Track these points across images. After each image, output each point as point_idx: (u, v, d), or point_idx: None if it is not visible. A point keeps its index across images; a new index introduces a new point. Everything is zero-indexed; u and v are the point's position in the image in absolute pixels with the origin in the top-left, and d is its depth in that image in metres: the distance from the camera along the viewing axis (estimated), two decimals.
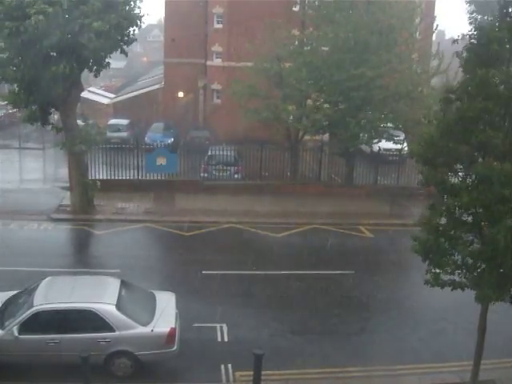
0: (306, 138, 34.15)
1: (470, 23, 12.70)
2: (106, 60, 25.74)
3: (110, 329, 14.46)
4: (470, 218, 13.05)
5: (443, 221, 13.33)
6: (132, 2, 25.27)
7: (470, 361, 14.55)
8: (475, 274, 13.05)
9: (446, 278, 13.37)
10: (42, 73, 23.89)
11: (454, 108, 12.85)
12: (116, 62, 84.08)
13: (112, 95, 56.72)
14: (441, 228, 13.21)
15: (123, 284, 16.05)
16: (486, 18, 12.76)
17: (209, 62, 46.40)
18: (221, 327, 17.39)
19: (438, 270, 13.42)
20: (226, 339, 16.95)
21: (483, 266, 12.95)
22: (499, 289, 12.50)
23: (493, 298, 12.59)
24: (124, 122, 44.62)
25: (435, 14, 47.14)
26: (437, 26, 34.01)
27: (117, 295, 15.20)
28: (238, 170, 32.53)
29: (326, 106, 31.01)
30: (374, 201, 31.16)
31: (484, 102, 12.18)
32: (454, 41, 13.37)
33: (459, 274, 13.31)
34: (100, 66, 25.66)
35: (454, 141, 12.76)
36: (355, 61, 29.18)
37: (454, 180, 13.40)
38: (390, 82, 29.83)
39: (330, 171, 33.57)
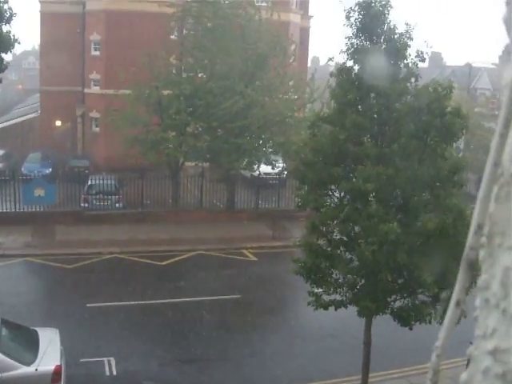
0: (187, 164, 34.33)
1: (347, 49, 13.48)
2: None
3: None
4: (344, 238, 13.75)
5: (322, 241, 13.98)
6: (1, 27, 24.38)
7: (359, 375, 15.10)
8: (355, 290, 13.66)
9: (327, 298, 13.91)
10: None
11: (327, 132, 13.62)
12: None
13: None
14: (318, 248, 13.83)
15: (3, 323, 15.51)
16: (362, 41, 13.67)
17: (87, 90, 45.74)
18: (108, 361, 17.16)
19: (319, 291, 13.96)
20: (114, 372, 16.75)
21: (362, 281, 13.61)
22: (377, 300, 13.14)
23: (373, 309, 13.19)
24: None
25: (309, 42, 49.33)
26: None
27: None
28: (119, 199, 32.14)
29: (205, 135, 31.39)
30: (256, 224, 31.70)
31: (356, 116, 13.05)
32: (330, 59, 14.28)
33: (340, 292, 13.90)
34: None
35: (326, 162, 13.52)
36: (230, 88, 29.78)
37: (328, 200, 14.13)
38: (265, 109, 30.63)
39: (211, 197, 33.85)
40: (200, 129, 31.81)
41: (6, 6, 23.65)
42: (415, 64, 13.89)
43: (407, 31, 13.72)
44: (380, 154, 13.06)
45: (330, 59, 14.37)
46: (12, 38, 24.53)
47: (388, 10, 13.71)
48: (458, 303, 1.01)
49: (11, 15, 23.67)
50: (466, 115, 13.44)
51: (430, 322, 13.16)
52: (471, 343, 0.91)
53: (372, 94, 13.50)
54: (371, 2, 13.58)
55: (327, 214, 13.45)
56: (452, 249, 12.69)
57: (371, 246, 12.37)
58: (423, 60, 13.96)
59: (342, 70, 13.91)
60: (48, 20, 44.64)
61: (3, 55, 24.73)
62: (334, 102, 14.11)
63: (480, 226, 0.97)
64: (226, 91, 29.77)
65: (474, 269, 1.06)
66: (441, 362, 1.05)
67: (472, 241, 0.97)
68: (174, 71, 33.79)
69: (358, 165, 13.36)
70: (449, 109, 13.03)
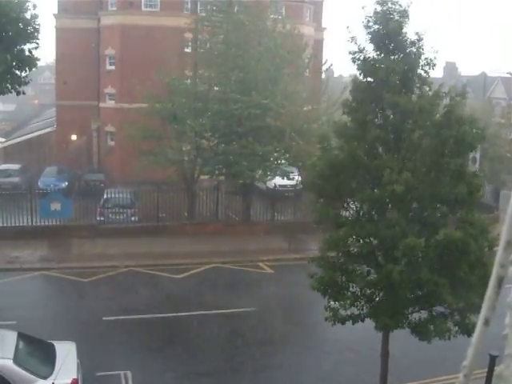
0: (202, 177, 34.30)
1: (353, 61, 13.33)
2: None
3: None
4: (364, 251, 13.63)
5: (339, 256, 13.88)
6: (27, 45, 24.50)
7: None
8: (373, 303, 13.55)
9: (344, 313, 13.79)
10: None
11: (345, 148, 13.51)
12: (6, 105, 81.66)
13: (2, 139, 55.06)
14: (335, 262, 13.73)
15: (20, 336, 15.50)
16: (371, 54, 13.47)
17: (102, 104, 46.01)
18: (125, 374, 17.10)
19: (336, 305, 13.85)
20: None
21: (380, 295, 13.50)
22: (396, 317, 13.03)
23: (391, 325, 13.09)
24: (15, 166, 43.31)
25: (323, 53, 49.34)
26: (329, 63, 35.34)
27: (14, 348, 14.65)
28: (134, 212, 32.15)
29: (221, 143, 31.44)
30: (272, 237, 31.55)
31: (379, 131, 12.96)
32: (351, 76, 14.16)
33: (358, 306, 13.78)
34: None
35: (344, 175, 13.42)
36: (246, 89, 29.89)
37: (345, 214, 14.03)
38: (281, 117, 30.61)
39: (227, 209, 33.81)
40: (216, 141, 31.82)
41: (36, 22, 23.79)
42: (426, 72, 13.70)
43: (418, 41, 13.56)
44: (401, 166, 12.97)
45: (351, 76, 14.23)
46: (34, 57, 24.68)
47: (405, 22, 13.54)
48: (486, 321, 0.98)
49: (37, 32, 23.82)
50: (482, 125, 13.37)
51: (449, 338, 13.01)
52: (489, 354, 0.86)
53: (389, 109, 13.40)
54: (389, 14, 13.38)
55: (348, 232, 13.32)
56: (472, 265, 12.55)
57: (399, 266, 12.20)
58: (433, 66, 13.69)
59: (359, 85, 13.76)
60: (63, 35, 45.00)
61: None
62: (351, 115, 13.94)
63: (509, 243, 0.94)
64: (243, 91, 29.82)
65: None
66: (469, 382, 1.01)
67: (501, 258, 0.93)
68: (188, 81, 33.81)
69: (376, 177, 13.26)
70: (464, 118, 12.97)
